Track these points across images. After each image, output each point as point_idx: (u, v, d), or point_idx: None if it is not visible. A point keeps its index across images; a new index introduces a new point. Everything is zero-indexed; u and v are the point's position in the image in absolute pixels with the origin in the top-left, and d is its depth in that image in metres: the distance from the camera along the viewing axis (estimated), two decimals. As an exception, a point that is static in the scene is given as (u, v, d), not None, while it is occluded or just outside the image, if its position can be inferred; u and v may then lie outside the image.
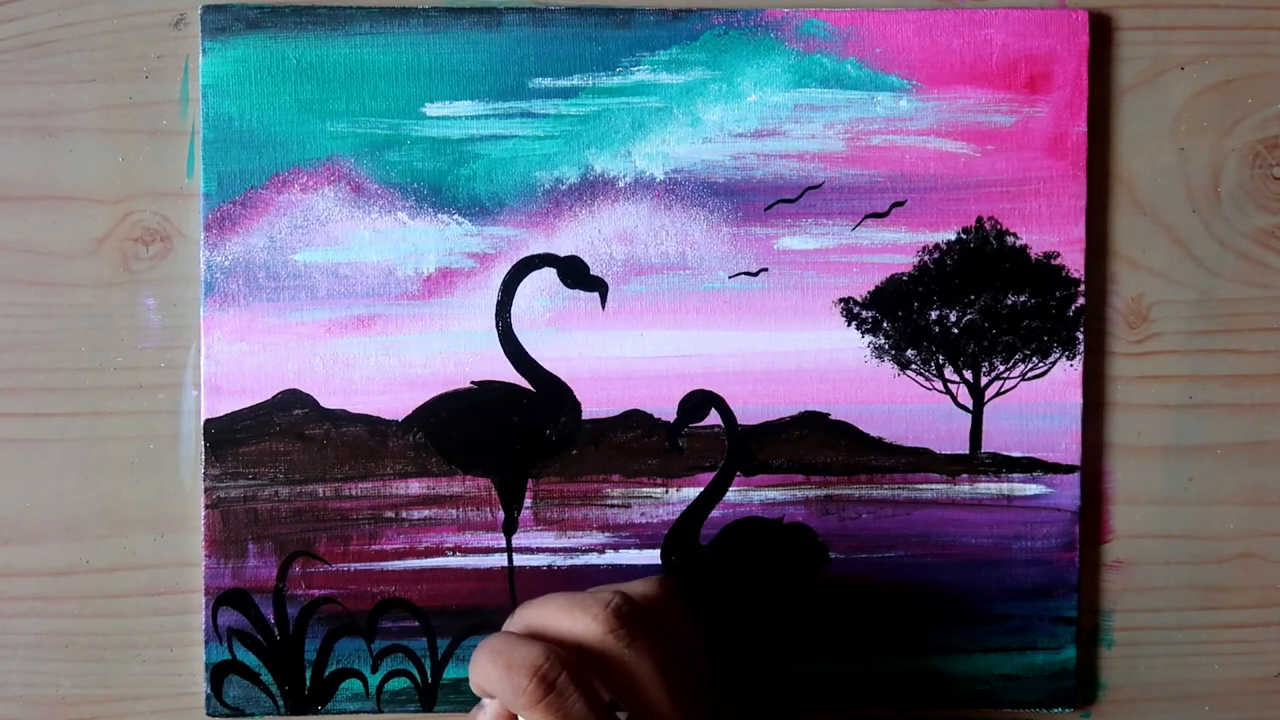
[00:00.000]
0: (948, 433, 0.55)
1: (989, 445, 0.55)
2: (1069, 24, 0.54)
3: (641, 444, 0.54)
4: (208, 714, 0.54)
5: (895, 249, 0.54)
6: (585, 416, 0.54)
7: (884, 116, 0.54)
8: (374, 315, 0.53)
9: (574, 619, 0.46)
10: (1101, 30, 0.55)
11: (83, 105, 0.53)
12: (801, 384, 0.54)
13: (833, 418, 0.54)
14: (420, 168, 0.53)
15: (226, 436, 0.53)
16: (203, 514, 0.53)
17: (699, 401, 0.54)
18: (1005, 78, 0.54)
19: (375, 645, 0.54)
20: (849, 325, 0.54)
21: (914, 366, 0.55)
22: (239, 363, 0.53)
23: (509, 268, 0.54)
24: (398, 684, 0.54)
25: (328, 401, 0.53)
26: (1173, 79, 0.55)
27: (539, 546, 0.54)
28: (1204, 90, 0.55)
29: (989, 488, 0.55)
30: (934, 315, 0.55)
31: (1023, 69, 0.54)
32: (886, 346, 0.54)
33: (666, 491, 0.54)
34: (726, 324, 0.54)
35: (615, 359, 0.54)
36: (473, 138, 0.53)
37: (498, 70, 0.53)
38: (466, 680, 0.53)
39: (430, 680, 0.54)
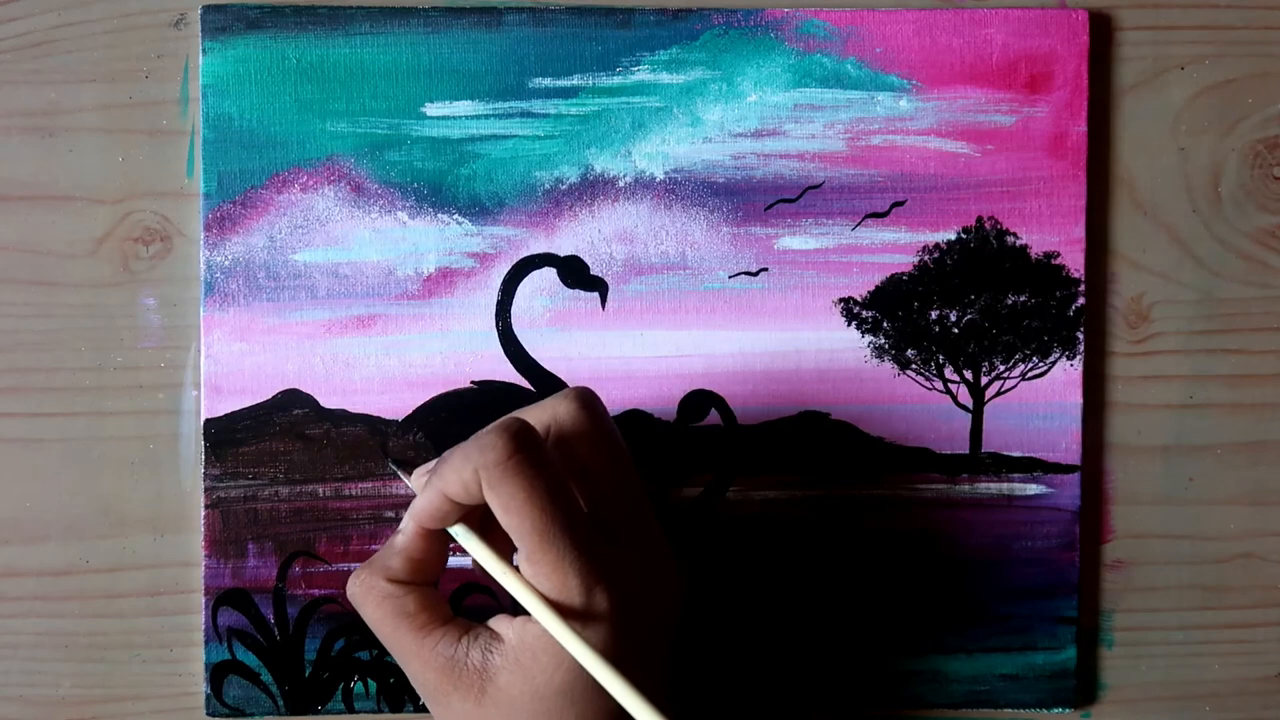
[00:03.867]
0: (948, 433, 0.55)
1: (989, 445, 0.55)
2: (1069, 24, 0.54)
3: (641, 444, 0.54)
4: (208, 714, 0.54)
5: (895, 249, 0.54)
6: (585, 416, 0.54)
7: (884, 116, 0.54)
8: (374, 315, 0.53)
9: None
10: (1101, 30, 0.55)
11: (83, 105, 0.53)
12: (801, 384, 0.54)
13: (833, 418, 0.54)
14: (420, 168, 0.53)
15: (226, 436, 0.53)
16: (203, 514, 0.53)
17: (699, 401, 0.54)
18: (1005, 78, 0.54)
19: (376, 645, 0.54)
20: (849, 325, 0.54)
21: (914, 366, 0.55)
22: (239, 363, 0.53)
23: (509, 268, 0.54)
24: (398, 684, 0.54)
25: (328, 401, 0.53)
26: (1173, 79, 0.55)
27: (539, 546, 0.54)
28: (1204, 90, 0.55)
29: (989, 488, 0.55)
30: (934, 315, 0.55)
31: (1023, 69, 0.54)
32: (886, 346, 0.54)
33: (666, 491, 0.54)
34: (726, 324, 0.54)
35: (615, 359, 0.54)
36: (473, 138, 0.53)
37: (498, 70, 0.53)
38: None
39: (430, 680, 0.54)
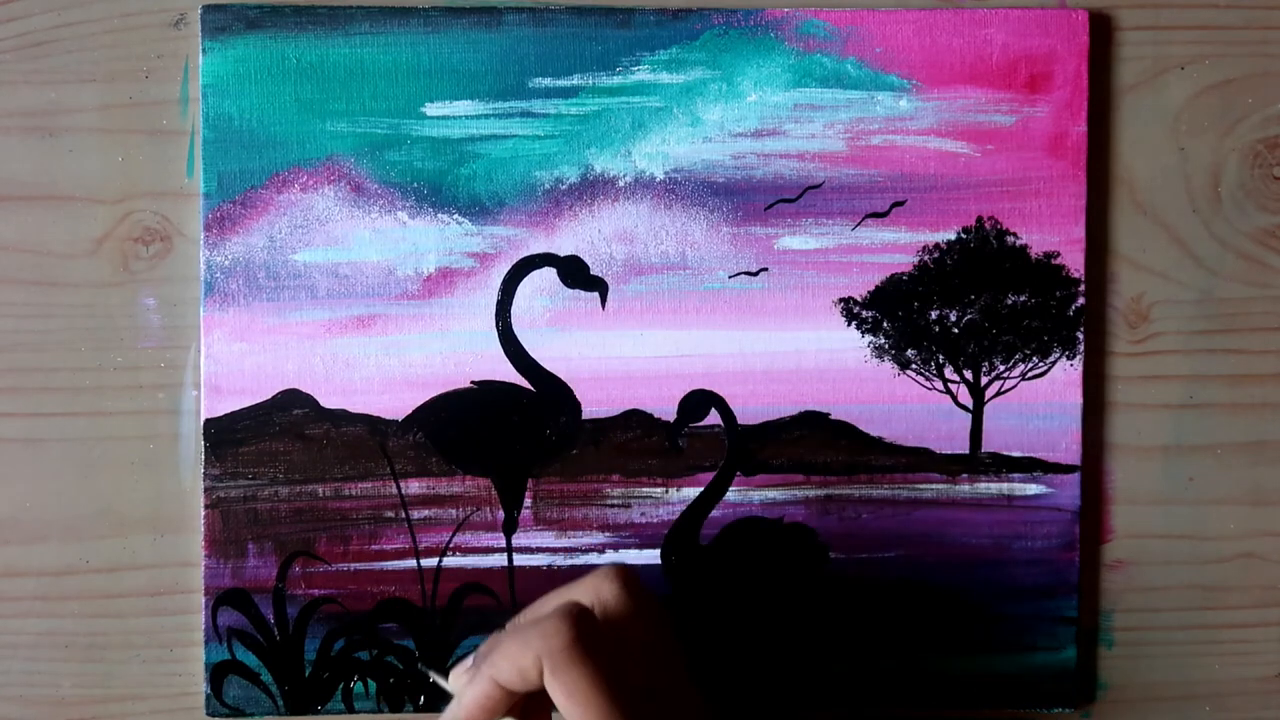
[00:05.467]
0: (948, 433, 0.55)
1: (989, 445, 0.55)
2: (1069, 24, 0.54)
3: (641, 444, 0.54)
4: (208, 714, 0.54)
5: (895, 249, 0.54)
6: (585, 416, 0.54)
7: (884, 116, 0.54)
8: (374, 315, 0.53)
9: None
10: (1101, 30, 0.55)
11: (83, 105, 0.53)
12: (801, 384, 0.54)
13: (833, 418, 0.54)
14: (420, 168, 0.53)
15: (226, 436, 0.53)
16: (203, 514, 0.53)
17: (699, 401, 0.54)
18: (1005, 78, 0.54)
19: (376, 645, 0.54)
20: (849, 325, 0.54)
21: (914, 366, 0.55)
22: (239, 363, 0.53)
23: (509, 267, 0.54)
24: (398, 684, 0.54)
25: (328, 401, 0.53)
26: (1173, 79, 0.55)
27: (539, 546, 0.54)
28: (1204, 90, 0.55)
29: (989, 488, 0.55)
30: (934, 315, 0.55)
31: (1023, 69, 0.54)
32: (886, 346, 0.54)
33: (666, 491, 0.54)
34: (726, 324, 0.54)
35: (615, 359, 0.54)
36: (473, 137, 0.53)
37: (498, 70, 0.53)
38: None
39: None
